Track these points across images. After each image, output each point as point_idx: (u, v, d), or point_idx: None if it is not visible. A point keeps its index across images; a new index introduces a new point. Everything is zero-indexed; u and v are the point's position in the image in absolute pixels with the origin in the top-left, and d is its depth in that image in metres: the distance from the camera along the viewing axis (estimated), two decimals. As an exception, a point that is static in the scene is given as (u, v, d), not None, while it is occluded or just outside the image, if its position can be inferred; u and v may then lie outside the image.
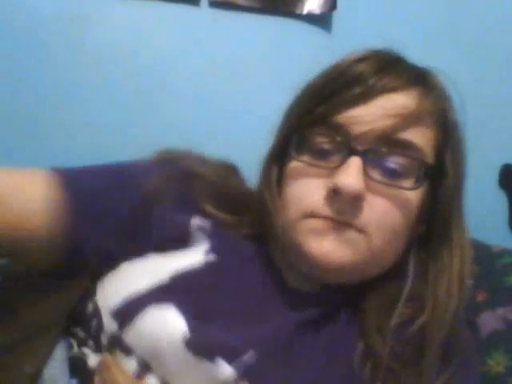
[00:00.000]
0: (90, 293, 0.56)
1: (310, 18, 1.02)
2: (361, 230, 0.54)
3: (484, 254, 0.82)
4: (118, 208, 0.56)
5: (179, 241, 0.58)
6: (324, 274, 0.56)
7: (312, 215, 0.55)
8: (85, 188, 0.56)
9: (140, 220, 0.57)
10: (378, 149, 0.54)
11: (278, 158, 0.60)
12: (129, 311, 0.52)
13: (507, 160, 1.06)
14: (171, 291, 0.54)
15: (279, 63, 1.03)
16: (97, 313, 0.54)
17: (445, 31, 1.05)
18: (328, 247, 0.54)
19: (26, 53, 0.99)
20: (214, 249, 0.58)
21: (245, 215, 0.62)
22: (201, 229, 0.59)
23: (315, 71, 0.59)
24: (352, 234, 0.54)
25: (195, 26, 1.01)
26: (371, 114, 0.53)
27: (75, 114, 1.00)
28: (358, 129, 0.54)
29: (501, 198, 1.07)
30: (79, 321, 0.56)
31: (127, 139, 0.98)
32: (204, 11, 1.01)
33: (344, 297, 0.59)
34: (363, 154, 0.53)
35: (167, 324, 0.52)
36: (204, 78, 1.02)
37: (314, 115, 0.56)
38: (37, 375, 0.53)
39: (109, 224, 0.56)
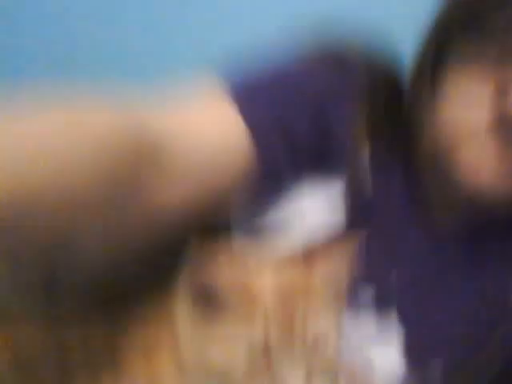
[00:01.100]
0: None
1: None
2: None
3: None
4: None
5: None
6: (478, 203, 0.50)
7: (472, 141, 0.47)
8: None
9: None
10: None
11: (429, 72, 0.50)
12: None
13: None
14: None
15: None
16: None
17: None
18: (490, 172, 0.47)
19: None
20: None
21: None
22: None
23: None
24: None
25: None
26: None
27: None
28: None
29: None
30: None
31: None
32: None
33: (497, 232, 0.54)
34: None
35: None
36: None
37: (473, 18, 0.46)
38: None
39: None
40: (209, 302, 0.42)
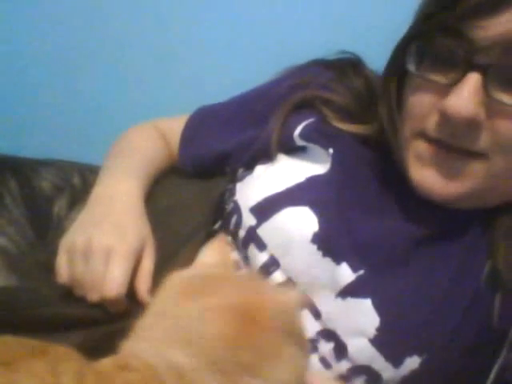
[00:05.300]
0: (230, 194, 0.63)
1: None
2: (479, 155, 0.50)
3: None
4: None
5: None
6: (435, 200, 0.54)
7: (422, 135, 0.52)
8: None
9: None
10: (506, 64, 0.47)
11: (398, 69, 0.55)
12: (268, 208, 0.56)
13: None
14: (307, 192, 0.57)
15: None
16: (236, 210, 0.59)
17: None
18: (430, 179, 0.52)
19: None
20: (338, 153, 0.59)
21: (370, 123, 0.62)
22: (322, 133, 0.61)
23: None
24: (465, 162, 0.50)
25: None
26: (501, 24, 0.46)
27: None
28: (483, 39, 0.47)
29: None
30: (220, 219, 0.63)
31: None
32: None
33: (474, 212, 0.55)
34: (486, 70, 0.47)
35: (301, 222, 0.55)
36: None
37: (434, 22, 0.50)
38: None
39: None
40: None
